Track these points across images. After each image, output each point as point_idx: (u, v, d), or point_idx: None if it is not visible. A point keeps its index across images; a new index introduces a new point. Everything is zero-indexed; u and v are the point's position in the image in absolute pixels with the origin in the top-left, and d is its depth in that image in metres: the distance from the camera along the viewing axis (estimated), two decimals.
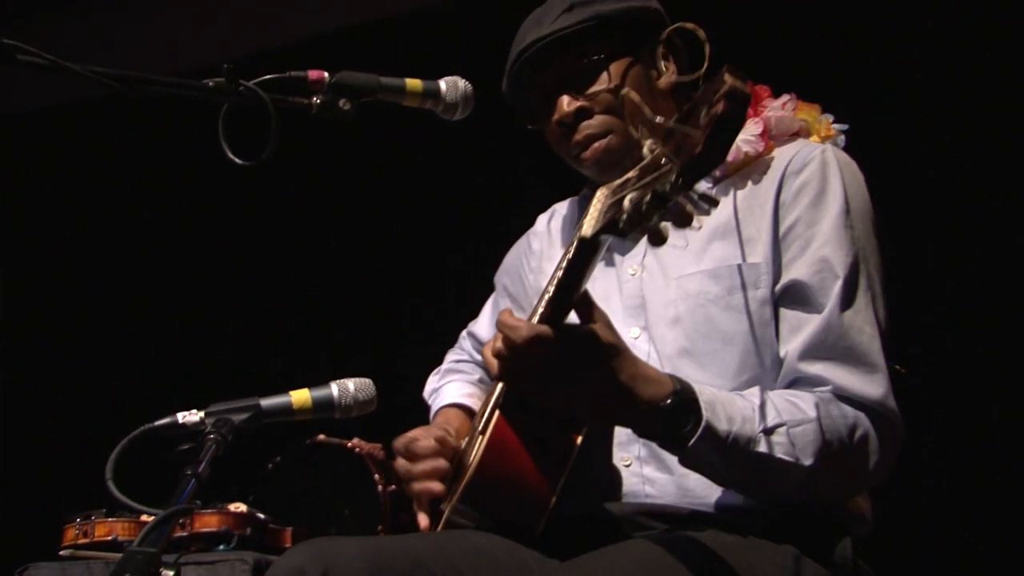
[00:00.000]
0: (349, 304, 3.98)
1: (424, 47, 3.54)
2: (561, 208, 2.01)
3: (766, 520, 1.53)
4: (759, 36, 3.14)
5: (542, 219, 2.04)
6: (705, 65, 1.70)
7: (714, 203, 1.15)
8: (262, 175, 1.90)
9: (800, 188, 1.62)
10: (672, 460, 1.51)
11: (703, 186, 1.68)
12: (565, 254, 1.37)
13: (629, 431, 1.54)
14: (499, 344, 1.41)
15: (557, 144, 1.80)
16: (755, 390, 1.52)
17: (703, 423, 1.41)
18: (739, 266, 1.61)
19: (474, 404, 1.98)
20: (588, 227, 1.27)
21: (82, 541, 2.51)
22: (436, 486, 1.66)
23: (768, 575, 1.45)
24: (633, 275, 1.72)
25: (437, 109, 1.64)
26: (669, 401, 1.41)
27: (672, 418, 1.42)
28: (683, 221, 1.13)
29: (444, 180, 3.82)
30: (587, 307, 1.40)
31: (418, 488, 1.69)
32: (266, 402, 1.50)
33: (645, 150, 1.22)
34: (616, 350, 1.40)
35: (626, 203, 1.17)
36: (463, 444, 1.76)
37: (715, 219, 1.66)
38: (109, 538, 2.50)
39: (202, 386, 2.00)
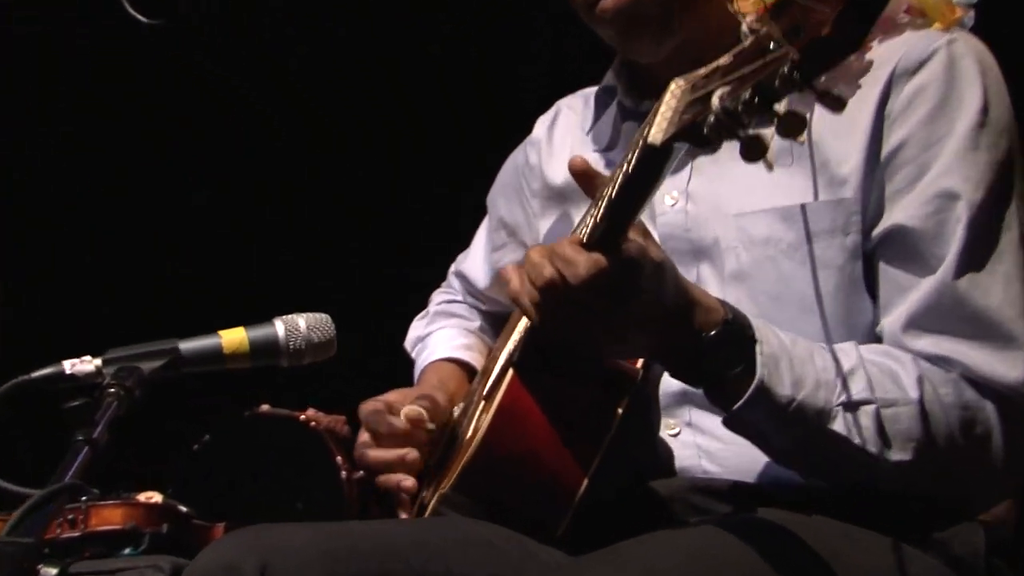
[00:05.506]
0: (311, 242, 3.63)
1: None
2: (568, 106, 1.67)
3: (859, 500, 1.26)
4: None
5: (541, 123, 1.70)
6: None
7: (841, 104, 0.93)
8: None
9: (915, 93, 1.30)
10: None
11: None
12: (620, 165, 1.12)
13: (675, 391, 1.34)
14: (548, 273, 1.13)
15: None
16: (850, 346, 1.26)
17: (756, 382, 1.18)
18: (803, 206, 1.32)
19: (473, 359, 1.72)
20: (658, 131, 1.01)
21: None
22: (405, 481, 1.47)
23: (868, 569, 1.20)
24: (673, 205, 1.42)
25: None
26: (714, 332, 1.19)
27: (716, 355, 1.19)
28: (793, 128, 0.93)
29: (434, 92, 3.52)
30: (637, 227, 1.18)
31: (383, 480, 1.51)
32: (187, 345, 1.23)
33: (744, 28, 1.00)
34: (668, 267, 1.18)
35: (715, 101, 0.95)
36: (456, 413, 1.55)
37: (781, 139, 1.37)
38: None
39: (120, 331, 1.64)
